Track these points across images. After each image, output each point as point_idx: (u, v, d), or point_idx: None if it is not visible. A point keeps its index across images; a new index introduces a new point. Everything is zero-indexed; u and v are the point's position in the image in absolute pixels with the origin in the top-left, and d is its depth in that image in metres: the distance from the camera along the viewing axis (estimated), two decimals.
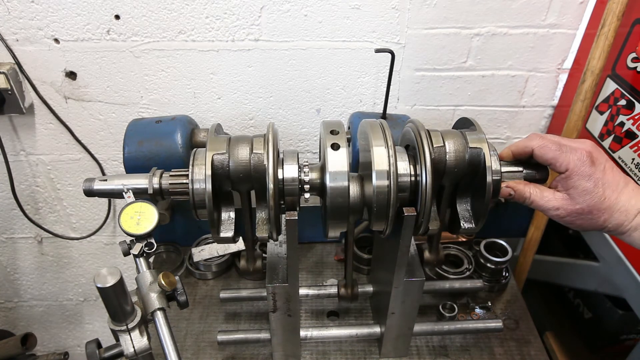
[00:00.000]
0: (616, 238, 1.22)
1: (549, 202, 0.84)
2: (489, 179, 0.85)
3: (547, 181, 0.90)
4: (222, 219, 0.94)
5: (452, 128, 0.97)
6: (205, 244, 1.47)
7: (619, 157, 1.18)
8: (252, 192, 0.95)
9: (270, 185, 0.85)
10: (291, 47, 1.29)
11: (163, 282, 0.83)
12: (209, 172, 0.85)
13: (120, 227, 0.87)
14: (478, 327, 1.23)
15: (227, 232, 0.93)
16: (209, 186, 0.84)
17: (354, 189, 0.91)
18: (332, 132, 0.90)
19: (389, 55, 1.18)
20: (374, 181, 0.86)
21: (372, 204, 0.87)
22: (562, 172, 0.82)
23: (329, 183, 0.86)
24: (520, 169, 0.90)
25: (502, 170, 0.89)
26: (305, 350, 1.22)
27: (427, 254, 1.09)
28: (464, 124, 0.95)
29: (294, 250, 0.96)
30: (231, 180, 0.89)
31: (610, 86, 1.20)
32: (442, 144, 0.89)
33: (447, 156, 0.88)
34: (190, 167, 0.88)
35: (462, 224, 0.94)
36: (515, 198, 0.88)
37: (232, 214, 0.95)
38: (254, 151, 0.88)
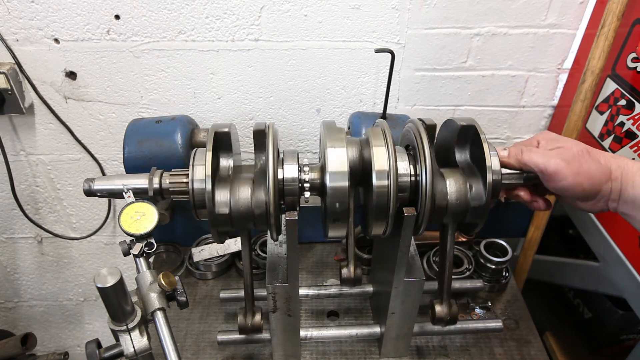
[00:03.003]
0: (616, 238, 1.22)
1: (546, 154, 0.82)
2: (489, 179, 0.85)
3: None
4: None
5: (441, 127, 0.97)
6: (205, 244, 1.47)
7: None
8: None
9: (271, 185, 0.85)
10: (291, 47, 1.29)
11: (163, 282, 0.83)
12: (209, 172, 0.85)
13: (120, 227, 0.87)
14: (478, 327, 1.23)
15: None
16: (209, 186, 0.84)
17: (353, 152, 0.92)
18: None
19: (389, 55, 1.18)
20: (374, 181, 0.86)
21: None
22: (545, 168, 0.82)
23: (329, 183, 0.86)
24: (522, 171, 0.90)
25: (504, 174, 0.89)
26: (305, 350, 1.22)
27: (438, 308, 1.00)
28: (463, 131, 0.94)
29: (294, 250, 0.96)
30: None
31: (610, 86, 1.20)
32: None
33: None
34: (191, 167, 0.88)
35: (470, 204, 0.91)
36: (511, 156, 0.87)
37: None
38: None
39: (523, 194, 0.92)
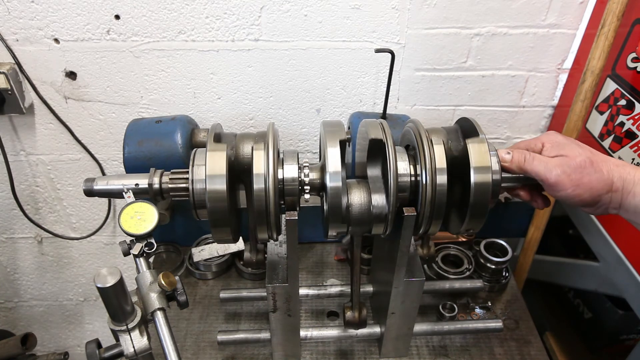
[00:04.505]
0: (616, 238, 1.22)
1: (548, 163, 0.82)
2: (489, 179, 0.85)
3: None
4: None
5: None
6: (205, 244, 1.47)
7: (619, 157, 1.18)
8: None
9: (270, 185, 0.85)
10: (291, 47, 1.29)
11: (163, 282, 0.83)
12: (209, 172, 0.85)
13: (120, 227, 0.87)
14: (478, 327, 1.23)
15: None
16: (209, 186, 0.84)
17: (360, 198, 0.92)
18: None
19: (389, 55, 1.18)
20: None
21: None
22: (547, 178, 0.81)
23: (329, 183, 0.86)
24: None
25: (504, 174, 0.89)
26: (305, 350, 1.22)
27: (419, 250, 1.11)
28: (464, 125, 0.94)
29: (294, 250, 0.96)
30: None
31: (610, 86, 1.20)
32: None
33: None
34: (190, 167, 0.88)
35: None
36: (513, 162, 0.87)
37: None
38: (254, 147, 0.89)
39: (523, 194, 0.92)
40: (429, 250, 1.12)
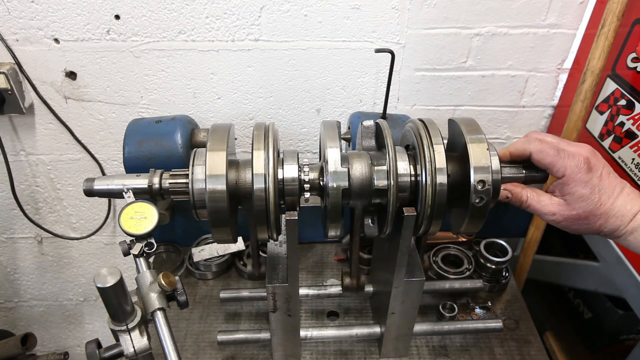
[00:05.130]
0: None
1: (545, 207, 0.85)
2: (489, 179, 0.85)
3: (547, 182, 0.90)
4: None
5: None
6: (205, 244, 1.47)
7: (619, 157, 1.18)
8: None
9: (271, 186, 0.85)
10: (291, 47, 1.29)
11: (163, 282, 0.83)
12: (209, 172, 0.85)
13: (120, 227, 0.87)
14: (478, 327, 1.23)
15: None
16: (209, 186, 0.84)
17: (361, 167, 0.91)
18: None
19: (389, 55, 1.18)
20: (374, 181, 0.86)
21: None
22: (559, 177, 0.82)
23: (329, 183, 0.86)
24: (522, 171, 0.90)
25: (504, 174, 0.89)
26: (305, 350, 1.22)
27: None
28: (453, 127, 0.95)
29: (294, 250, 0.96)
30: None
31: (610, 86, 1.20)
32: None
33: None
34: (191, 167, 0.88)
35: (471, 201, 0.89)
36: (512, 201, 0.89)
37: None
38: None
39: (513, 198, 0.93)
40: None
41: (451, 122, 0.95)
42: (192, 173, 0.87)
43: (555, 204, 0.83)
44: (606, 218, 0.80)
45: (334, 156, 0.87)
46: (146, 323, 0.87)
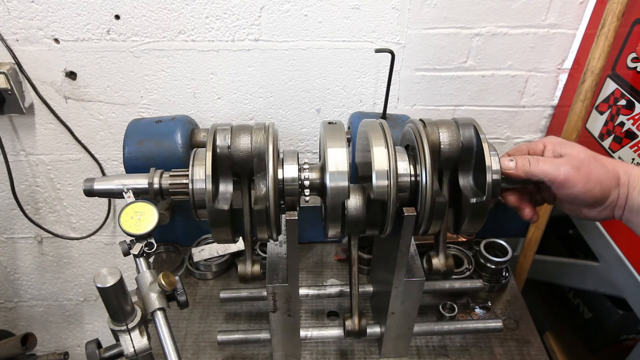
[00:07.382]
0: (616, 238, 1.22)
1: (555, 162, 0.81)
2: (488, 178, 0.85)
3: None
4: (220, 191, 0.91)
5: None
6: (205, 244, 1.47)
7: (619, 157, 1.18)
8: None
9: (270, 185, 0.85)
10: (291, 47, 1.29)
11: (163, 282, 0.83)
12: (209, 172, 0.85)
13: (120, 227, 0.87)
14: (478, 327, 1.23)
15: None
16: (209, 186, 0.84)
17: (356, 201, 0.91)
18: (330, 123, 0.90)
19: (389, 55, 1.18)
20: (374, 181, 0.86)
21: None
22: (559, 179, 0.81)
23: (329, 183, 0.86)
24: None
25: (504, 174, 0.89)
26: (305, 350, 1.22)
27: (435, 260, 1.00)
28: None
29: (294, 250, 0.96)
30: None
31: (610, 86, 1.20)
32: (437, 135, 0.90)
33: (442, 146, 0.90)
34: (190, 167, 0.88)
35: (470, 200, 0.89)
36: (517, 170, 0.85)
37: (230, 187, 0.91)
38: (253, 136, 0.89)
39: (512, 199, 0.92)
40: (445, 260, 0.99)
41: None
42: (192, 173, 0.87)
43: (562, 160, 0.81)
44: (612, 161, 0.79)
45: (334, 156, 0.87)
46: (146, 323, 0.87)
